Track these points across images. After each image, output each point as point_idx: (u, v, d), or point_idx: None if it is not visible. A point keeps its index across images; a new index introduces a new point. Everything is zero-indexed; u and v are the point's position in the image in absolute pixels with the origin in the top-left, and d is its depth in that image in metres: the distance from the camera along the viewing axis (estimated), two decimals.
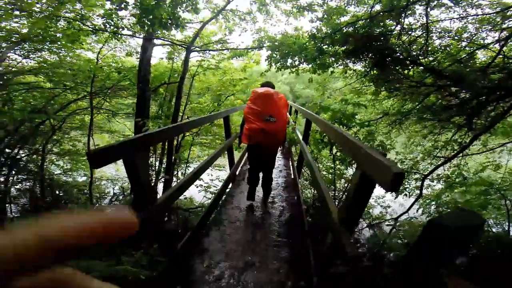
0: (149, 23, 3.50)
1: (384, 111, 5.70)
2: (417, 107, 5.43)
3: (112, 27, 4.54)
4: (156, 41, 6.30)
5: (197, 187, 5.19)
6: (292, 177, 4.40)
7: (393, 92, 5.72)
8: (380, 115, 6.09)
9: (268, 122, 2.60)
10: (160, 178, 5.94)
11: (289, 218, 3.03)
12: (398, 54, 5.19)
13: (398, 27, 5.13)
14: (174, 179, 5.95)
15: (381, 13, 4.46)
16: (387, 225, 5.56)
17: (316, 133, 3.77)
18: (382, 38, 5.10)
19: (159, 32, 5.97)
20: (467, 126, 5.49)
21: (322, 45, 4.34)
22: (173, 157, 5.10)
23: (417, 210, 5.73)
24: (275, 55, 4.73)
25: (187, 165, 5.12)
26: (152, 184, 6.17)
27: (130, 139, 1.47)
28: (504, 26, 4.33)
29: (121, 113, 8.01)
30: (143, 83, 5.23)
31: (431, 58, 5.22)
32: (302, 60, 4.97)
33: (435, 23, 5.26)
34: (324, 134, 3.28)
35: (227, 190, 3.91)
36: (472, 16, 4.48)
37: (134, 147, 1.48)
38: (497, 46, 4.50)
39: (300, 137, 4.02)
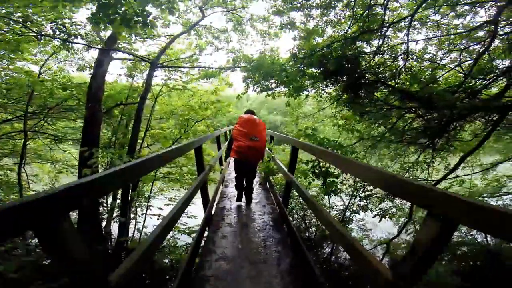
0: (106, 20, 2.76)
1: (360, 136, 5.65)
2: (389, 130, 5.53)
3: (62, 34, 3.71)
4: (115, 55, 5.50)
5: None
6: (278, 211, 3.81)
7: (365, 116, 5.78)
8: (355, 139, 6.10)
9: (253, 141, 3.41)
10: (113, 217, 4.80)
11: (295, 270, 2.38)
12: (370, 76, 5.33)
13: (369, 49, 5.33)
14: (132, 216, 4.85)
15: (355, 34, 4.52)
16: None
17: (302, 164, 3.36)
18: (354, 60, 5.16)
19: (119, 42, 5.22)
20: (431, 146, 5.75)
21: (302, 66, 4.13)
22: (130, 196, 4.12)
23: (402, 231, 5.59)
24: (252, 76, 4.37)
25: (149, 201, 4.16)
26: (104, 226, 4.93)
27: (51, 193, 0.78)
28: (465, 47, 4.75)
29: (68, 138, 6.67)
30: (93, 102, 4.31)
31: (399, 80, 5.48)
32: (279, 82, 4.71)
33: (399, 46, 5.61)
34: (316, 164, 2.88)
35: (206, 234, 3.15)
36: (437, 36, 4.85)
37: (58, 206, 0.79)
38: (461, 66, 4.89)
39: (284, 168, 3.55)
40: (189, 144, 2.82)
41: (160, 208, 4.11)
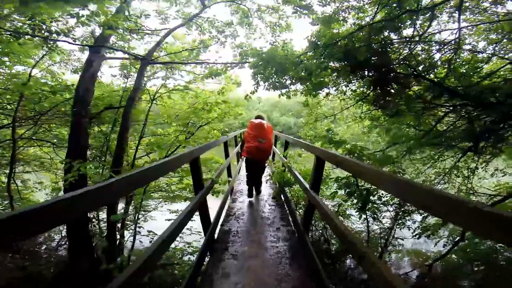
0: None
1: (391, 140, 4.78)
2: (427, 132, 4.61)
3: (43, 31, 3.21)
4: (109, 54, 4.99)
5: None
6: (296, 235, 3.06)
7: (395, 116, 4.89)
8: (383, 142, 5.25)
9: (261, 143, 3.84)
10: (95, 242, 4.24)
11: None
12: (402, 69, 4.47)
13: (397, 38, 4.48)
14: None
15: (384, 19, 3.69)
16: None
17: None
18: (383, 50, 4.32)
19: (115, 41, 4.70)
20: (474, 150, 4.79)
21: (323, 57, 3.38)
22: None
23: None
24: (262, 71, 3.66)
25: (136, 226, 3.48)
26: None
27: None
28: None
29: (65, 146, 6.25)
30: (80, 106, 3.77)
31: (434, 74, 4.58)
32: (294, 79, 3.97)
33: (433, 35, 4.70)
34: (353, 183, 2.12)
35: (203, 267, 2.49)
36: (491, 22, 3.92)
37: None
38: None
39: (305, 183, 2.81)
40: (180, 156, 2.15)
41: (151, 232, 3.47)
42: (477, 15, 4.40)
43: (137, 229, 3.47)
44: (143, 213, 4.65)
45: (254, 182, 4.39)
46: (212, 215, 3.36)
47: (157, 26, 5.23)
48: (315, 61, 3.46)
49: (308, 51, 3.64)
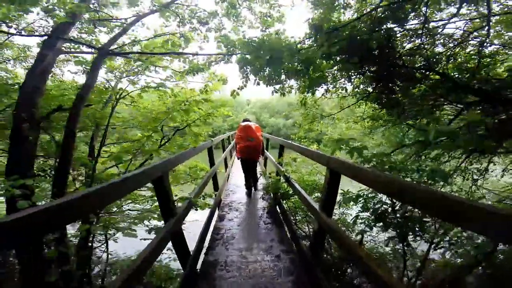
0: None
1: (400, 142, 4.26)
2: (438, 133, 4.12)
3: None
4: (73, 49, 4.20)
5: None
6: (302, 264, 2.43)
7: (402, 115, 4.39)
8: (387, 145, 4.75)
9: (249, 142, 4.35)
10: None
11: None
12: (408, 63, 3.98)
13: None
14: None
15: (393, 4, 3.17)
16: None
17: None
18: (386, 42, 3.79)
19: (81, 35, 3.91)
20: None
21: (324, 46, 2.79)
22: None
23: None
24: (252, 62, 2.99)
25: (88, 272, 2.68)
26: None
27: None
28: None
29: None
30: (24, 109, 2.99)
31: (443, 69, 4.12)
32: (289, 73, 3.35)
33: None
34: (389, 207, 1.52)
35: None
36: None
37: None
38: None
39: (312, 202, 2.21)
40: (138, 175, 1.47)
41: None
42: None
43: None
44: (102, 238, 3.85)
45: (250, 179, 4.81)
46: (193, 240, 2.68)
47: (127, 13, 4.47)
48: (315, 48, 2.86)
49: (307, 38, 3.03)
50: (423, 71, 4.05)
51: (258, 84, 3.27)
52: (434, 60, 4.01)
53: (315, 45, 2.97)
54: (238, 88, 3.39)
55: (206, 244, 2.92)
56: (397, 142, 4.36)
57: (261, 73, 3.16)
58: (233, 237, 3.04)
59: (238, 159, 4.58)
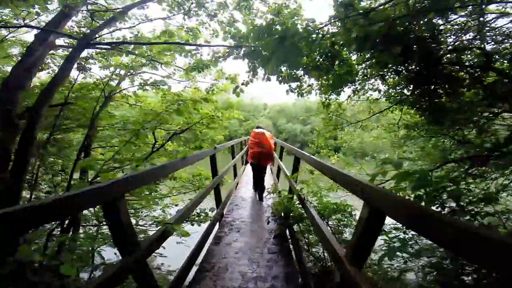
0: None
1: (444, 157, 3.45)
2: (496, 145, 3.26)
3: None
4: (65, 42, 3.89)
5: None
6: None
7: (446, 123, 3.55)
8: (425, 159, 3.92)
9: (262, 148, 4.59)
10: None
11: None
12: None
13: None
14: None
15: None
16: None
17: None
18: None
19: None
20: None
21: (354, 32, 2.14)
22: None
23: None
24: (262, 51, 2.39)
25: None
26: None
27: None
28: None
29: None
30: (5, 106, 2.63)
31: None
32: (310, 67, 2.72)
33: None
34: None
35: None
36: None
37: None
38: None
39: (333, 242, 1.56)
40: (86, 193, 0.93)
41: None
42: None
43: None
44: None
45: (258, 185, 5.01)
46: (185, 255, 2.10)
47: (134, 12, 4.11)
48: (344, 30, 2.20)
49: (330, 23, 2.35)
50: (478, 70, 3.24)
51: (269, 79, 2.67)
52: (493, 58, 3.19)
53: (341, 31, 2.32)
54: (243, 84, 2.81)
55: (191, 274, 2.32)
56: (440, 156, 3.52)
57: (273, 66, 2.54)
58: (226, 268, 2.41)
59: (249, 164, 4.82)
